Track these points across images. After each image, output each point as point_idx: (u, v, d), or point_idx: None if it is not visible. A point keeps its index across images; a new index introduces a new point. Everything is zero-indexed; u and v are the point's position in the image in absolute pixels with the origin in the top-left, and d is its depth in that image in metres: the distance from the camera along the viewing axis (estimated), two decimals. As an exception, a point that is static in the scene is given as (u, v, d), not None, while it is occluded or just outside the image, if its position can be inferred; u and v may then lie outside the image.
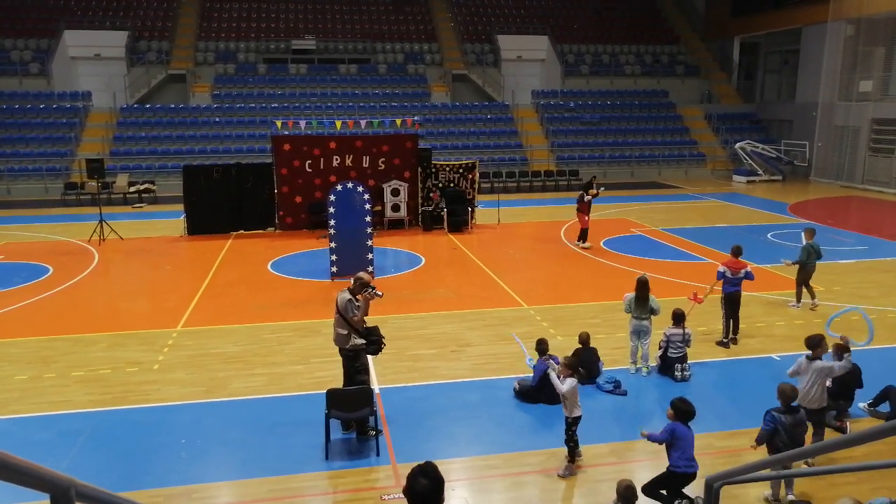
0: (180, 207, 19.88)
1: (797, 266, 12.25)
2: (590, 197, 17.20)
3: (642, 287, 9.35)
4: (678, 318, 9.43)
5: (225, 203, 19.22)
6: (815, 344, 7.25)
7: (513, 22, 37.24)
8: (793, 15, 32.29)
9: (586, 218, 17.11)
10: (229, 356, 10.26)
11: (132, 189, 25.29)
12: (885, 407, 8.26)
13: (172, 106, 30.96)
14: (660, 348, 9.54)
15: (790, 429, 6.42)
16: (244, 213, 19.50)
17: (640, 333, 9.44)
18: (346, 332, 7.74)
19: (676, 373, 9.31)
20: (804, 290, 12.30)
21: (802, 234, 12.58)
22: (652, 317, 9.43)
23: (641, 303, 9.34)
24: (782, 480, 6.61)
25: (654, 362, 9.63)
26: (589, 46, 37.27)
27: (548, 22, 37.18)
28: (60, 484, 2.18)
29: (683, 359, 9.38)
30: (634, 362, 9.61)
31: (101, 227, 18.08)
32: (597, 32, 38.07)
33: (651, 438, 6.51)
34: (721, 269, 10.65)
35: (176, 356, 10.27)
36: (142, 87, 31.80)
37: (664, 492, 6.38)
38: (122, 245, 17.88)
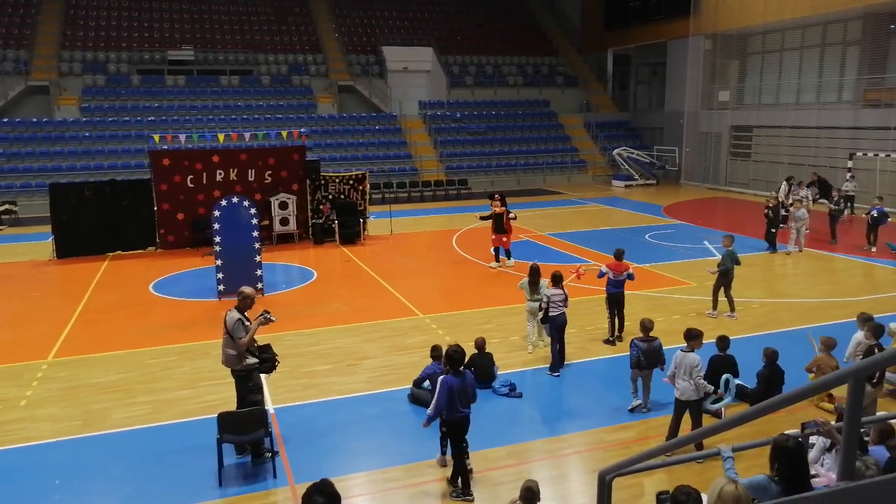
0: (47, 229, 18.44)
1: (716, 274, 12.41)
2: (494, 210, 15.98)
3: (535, 273, 10.68)
4: (557, 279, 10.00)
5: (99, 222, 18.02)
6: (692, 336, 7.70)
7: (397, 33, 37.49)
8: (658, 29, 34.58)
9: (492, 236, 16.35)
10: (109, 385, 9.60)
11: (-10, 210, 23.18)
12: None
13: (35, 120, 28.69)
14: (540, 309, 10.01)
15: (647, 353, 8.45)
16: (121, 232, 18.37)
17: (534, 313, 10.55)
18: (236, 352, 7.45)
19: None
20: (720, 298, 12.40)
21: (722, 240, 12.69)
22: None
23: (534, 286, 10.61)
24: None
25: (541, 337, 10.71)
26: (473, 58, 38.15)
27: (432, 34, 37.73)
28: None
29: (563, 321, 9.81)
30: (533, 343, 10.79)
31: (-45, 253, 16.44)
32: (480, 44, 39.04)
33: (432, 417, 6.68)
34: (603, 269, 11.19)
35: (47, 390, 9.48)
36: (-3, 100, 29.28)
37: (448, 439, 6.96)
38: (-20, 272, 16.34)
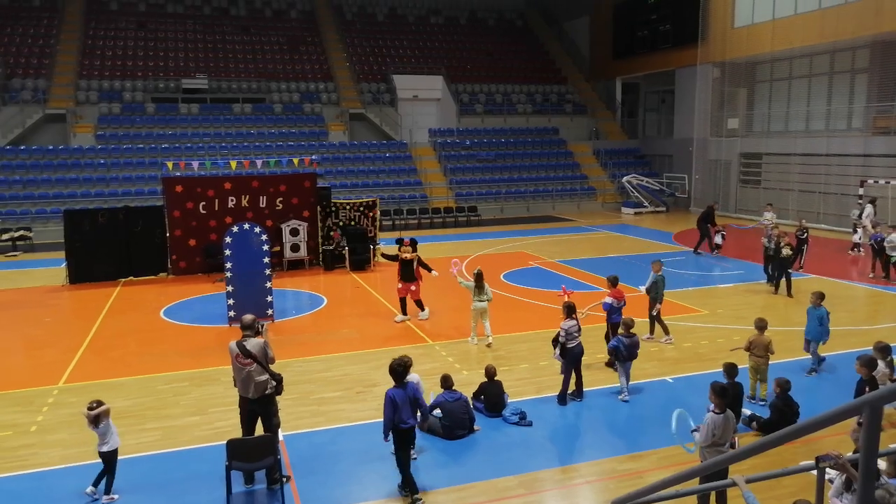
0: (61, 255, 18.62)
1: (650, 297, 12.33)
2: (403, 256, 13.92)
3: (479, 279, 12.14)
4: (571, 309, 9.73)
5: (112, 249, 18.20)
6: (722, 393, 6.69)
7: (408, 62, 37.99)
8: (666, 58, 34.86)
9: (398, 284, 13.99)
10: (119, 411, 9.56)
11: (5, 237, 23.46)
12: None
13: (51, 147, 29.18)
14: (556, 343, 9.67)
15: (628, 347, 9.71)
16: (133, 258, 18.52)
17: (481, 313, 12.17)
18: (266, 376, 7.48)
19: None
20: (657, 323, 12.40)
21: (653, 265, 12.49)
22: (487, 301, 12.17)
23: (479, 289, 12.09)
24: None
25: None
26: (482, 86, 38.55)
27: (442, 62, 38.21)
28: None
29: (580, 352, 9.75)
30: (473, 338, 12.37)
31: (-31, 278, 16.61)
32: (489, 73, 39.48)
33: (385, 430, 7.15)
34: (608, 300, 11.13)
35: (57, 416, 9.50)
36: (15, 128, 29.79)
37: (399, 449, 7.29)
38: (-6, 297, 16.49)
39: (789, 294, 15.38)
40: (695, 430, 6.75)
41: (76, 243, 17.95)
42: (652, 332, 12.50)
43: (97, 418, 7.30)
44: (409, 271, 13.82)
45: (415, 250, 14.13)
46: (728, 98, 31.81)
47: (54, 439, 8.76)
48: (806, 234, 17.98)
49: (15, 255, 22.63)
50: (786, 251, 15.30)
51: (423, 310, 14.15)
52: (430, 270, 14.12)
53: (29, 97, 30.52)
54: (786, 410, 8.54)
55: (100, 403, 7.39)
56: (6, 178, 27.21)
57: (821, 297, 10.89)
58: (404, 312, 14.06)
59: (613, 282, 11.37)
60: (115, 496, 7.31)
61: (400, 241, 14.49)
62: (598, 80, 41.20)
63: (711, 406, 6.49)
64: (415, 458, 7.80)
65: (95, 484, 7.35)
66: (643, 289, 12.61)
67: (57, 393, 10.35)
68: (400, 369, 7.08)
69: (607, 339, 11.14)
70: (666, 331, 12.43)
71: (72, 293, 17.15)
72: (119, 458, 7.62)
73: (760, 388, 9.68)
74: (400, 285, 13.96)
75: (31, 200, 26.48)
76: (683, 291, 16.21)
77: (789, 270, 15.60)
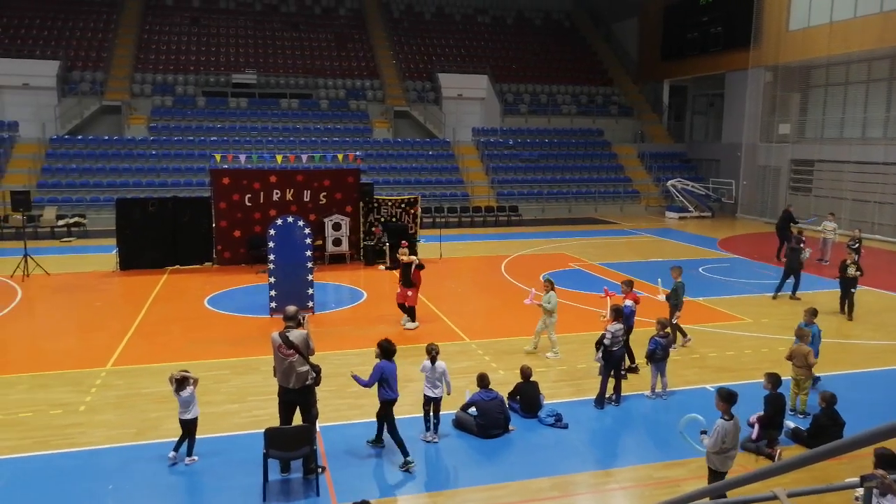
0: (112, 242, 19.21)
1: (670, 305, 12.14)
2: (401, 258, 13.34)
3: (551, 285, 11.62)
4: (618, 312, 9.83)
5: (160, 237, 18.69)
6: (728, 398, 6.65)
7: (453, 61, 38.03)
8: (717, 61, 34.13)
9: (398, 289, 13.44)
10: (162, 396, 9.84)
11: (61, 222, 24.32)
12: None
13: (106, 138, 30.12)
14: (600, 346, 9.51)
15: (665, 346, 9.89)
16: (180, 247, 18.99)
17: (548, 324, 11.57)
18: (307, 367, 7.60)
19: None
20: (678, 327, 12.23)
21: (672, 272, 12.30)
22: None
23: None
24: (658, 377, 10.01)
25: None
26: (527, 86, 38.36)
27: (487, 62, 38.14)
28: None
29: (623, 356, 10.00)
30: (535, 347, 11.86)
31: (26, 262, 17.27)
32: (534, 73, 39.25)
33: (359, 381, 7.84)
34: (628, 303, 10.89)
35: (104, 397, 9.81)
36: (74, 118, 30.84)
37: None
38: (49, 281, 17.10)
39: (850, 316, 14.42)
40: (703, 434, 6.64)
41: (126, 231, 18.48)
42: (685, 336, 12.31)
43: (183, 382, 7.86)
44: (407, 275, 13.12)
45: (413, 252, 13.55)
46: (780, 103, 30.98)
47: (101, 419, 9.05)
48: (859, 245, 17.38)
49: (70, 241, 23.43)
50: (851, 270, 14.39)
51: (412, 320, 13.37)
52: (420, 268, 13.13)
53: (87, 89, 31.55)
54: (828, 424, 8.30)
55: (187, 371, 8.03)
56: (64, 166, 28.20)
57: (814, 313, 10.45)
58: (412, 319, 13.45)
59: (630, 284, 11.23)
60: (196, 458, 7.91)
61: (399, 244, 14.54)
62: (646, 83, 40.58)
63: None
64: (436, 442, 8.43)
65: (176, 448, 7.93)
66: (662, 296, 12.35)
67: (105, 375, 10.69)
68: (392, 348, 7.91)
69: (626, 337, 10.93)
70: (683, 334, 12.32)
71: (121, 279, 17.68)
72: (159, 440, 7.84)
73: (801, 401, 9.43)
74: (399, 290, 13.44)
75: (86, 188, 27.39)
76: (728, 298, 15.87)
77: (852, 290, 14.53)
